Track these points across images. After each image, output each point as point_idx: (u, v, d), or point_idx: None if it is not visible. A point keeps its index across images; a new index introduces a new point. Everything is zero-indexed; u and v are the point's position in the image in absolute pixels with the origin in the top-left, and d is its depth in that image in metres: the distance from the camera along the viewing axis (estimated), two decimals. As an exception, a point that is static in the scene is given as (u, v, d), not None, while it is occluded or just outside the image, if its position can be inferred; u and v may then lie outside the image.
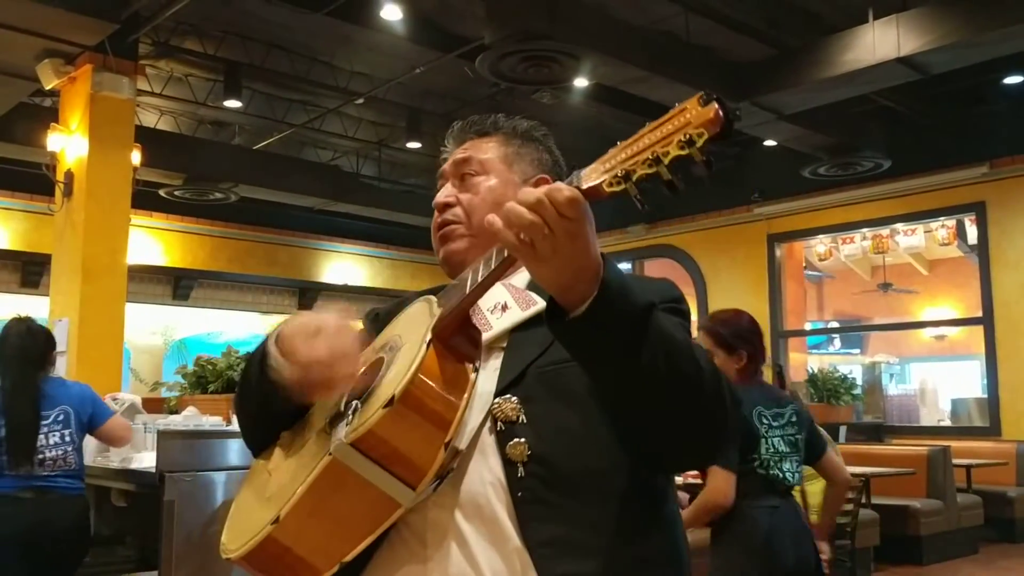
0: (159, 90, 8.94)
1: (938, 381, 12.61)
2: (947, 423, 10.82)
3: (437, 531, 1.09)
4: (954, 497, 7.30)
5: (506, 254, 1.02)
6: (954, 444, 7.88)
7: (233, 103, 8.73)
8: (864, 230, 11.10)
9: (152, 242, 11.69)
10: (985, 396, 9.49)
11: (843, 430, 8.80)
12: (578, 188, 0.95)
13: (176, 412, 4.92)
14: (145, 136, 8.08)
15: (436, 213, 1.37)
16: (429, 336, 1.03)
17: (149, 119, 9.68)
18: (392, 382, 1.02)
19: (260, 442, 1.27)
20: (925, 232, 11.66)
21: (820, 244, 11.96)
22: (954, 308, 13.17)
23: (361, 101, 9.07)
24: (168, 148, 9.44)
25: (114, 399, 4.63)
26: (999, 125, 9.08)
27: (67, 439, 3.79)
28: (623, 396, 1.06)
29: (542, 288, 1.05)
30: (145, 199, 9.37)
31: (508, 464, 1.10)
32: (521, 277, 1.28)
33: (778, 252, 10.83)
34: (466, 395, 1.04)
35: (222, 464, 3.48)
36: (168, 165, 9.58)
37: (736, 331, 3.10)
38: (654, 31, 7.46)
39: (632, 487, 1.14)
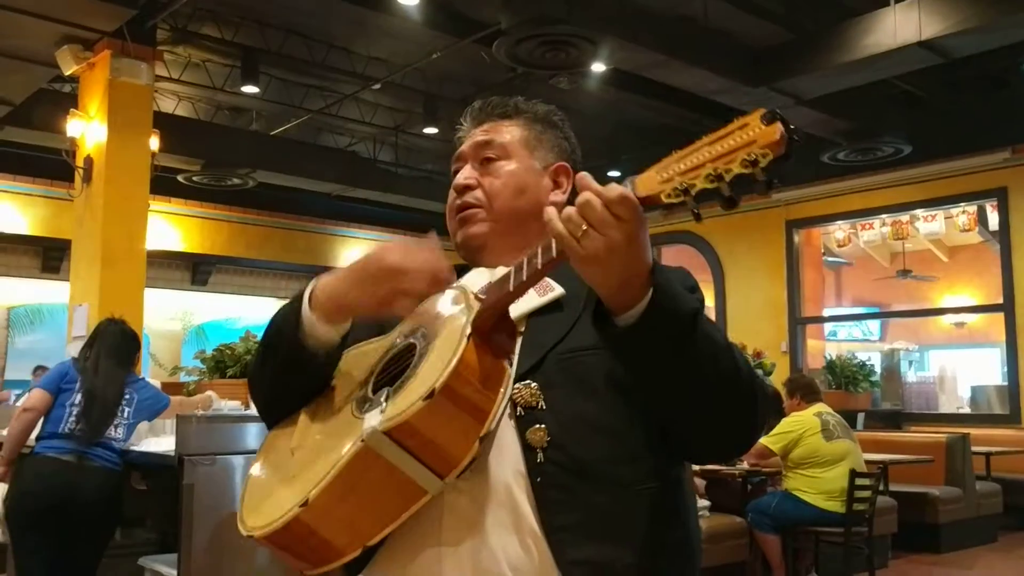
0: (177, 76, 8.97)
1: (957, 368, 12.52)
2: (966, 410, 10.76)
3: (453, 515, 1.09)
4: (973, 485, 7.26)
5: (555, 253, 1.01)
6: (973, 431, 7.84)
7: (251, 89, 8.75)
8: (883, 216, 11.01)
9: (170, 228, 11.76)
10: (1005, 383, 9.43)
11: (861, 417, 8.77)
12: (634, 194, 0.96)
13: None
14: (163, 122, 8.11)
15: (453, 194, 1.35)
16: (469, 329, 1.04)
17: (167, 105, 9.72)
18: (431, 373, 1.01)
19: (277, 414, 1.25)
20: (945, 218, 11.54)
21: (839, 230, 11.87)
22: (974, 295, 13.06)
23: (378, 87, 9.07)
24: (186, 134, 9.47)
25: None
26: (1021, 110, 8.97)
27: (125, 415, 4.08)
28: (664, 394, 1.09)
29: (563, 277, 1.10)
30: (163, 185, 9.43)
31: (528, 449, 1.10)
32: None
33: (796, 238, 10.77)
34: (502, 389, 1.04)
35: (240, 448, 3.50)
36: (186, 151, 9.62)
37: None
38: (672, 15, 7.41)
39: (649, 475, 1.15)
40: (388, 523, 1.04)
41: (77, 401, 3.97)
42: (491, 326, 1.07)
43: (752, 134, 0.91)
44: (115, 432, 4.01)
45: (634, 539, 1.11)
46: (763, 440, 5.47)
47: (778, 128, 0.90)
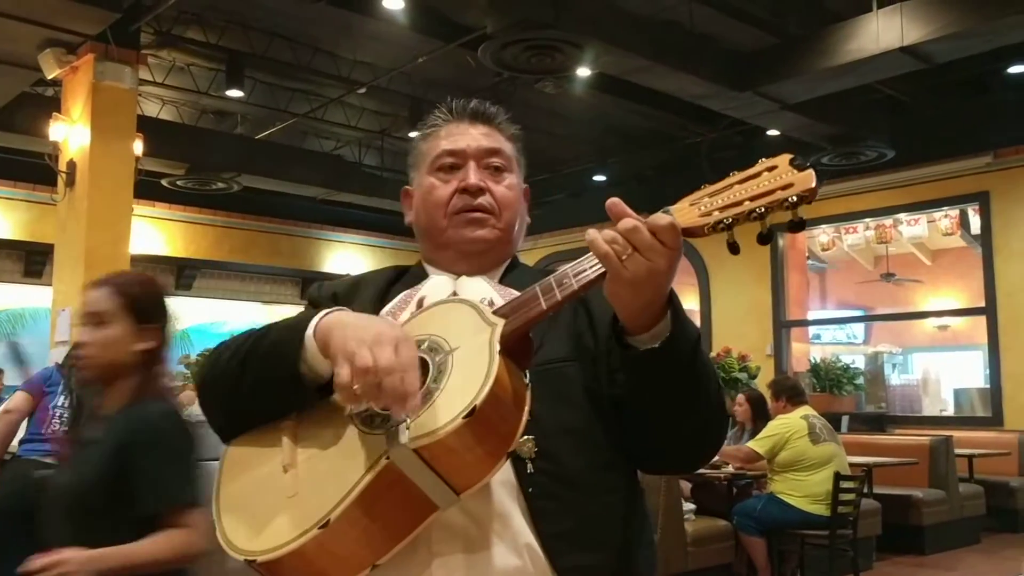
0: (161, 79, 8.93)
1: (941, 371, 12.60)
2: (950, 413, 10.82)
3: (443, 528, 1.08)
4: (956, 487, 7.30)
5: (593, 275, 1.06)
6: (956, 434, 7.88)
7: (235, 93, 8.72)
8: (867, 220, 11.08)
9: (155, 232, 11.70)
10: (988, 386, 9.49)
11: (845, 420, 8.81)
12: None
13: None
14: (147, 126, 8.07)
15: (459, 193, 1.31)
16: (498, 346, 1.02)
17: (151, 109, 9.68)
18: (464, 390, 0.99)
19: (240, 429, 1.18)
20: (928, 222, 11.63)
21: (823, 234, 11.94)
22: (957, 298, 13.15)
23: (363, 91, 9.06)
24: (170, 138, 9.43)
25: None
26: (1003, 115, 9.05)
27: None
28: (662, 409, 1.14)
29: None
30: (148, 189, 9.38)
31: (516, 460, 1.12)
32: (495, 272, 1.32)
33: (781, 242, 10.81)
34: (527, 407, 1.03)
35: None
36: (170, 155, 9.58)
37: (154, 299, 2.22)
38: (658, 20, 7.43)
39: (625, 482, 1.22)
40: (399, 541, 1.02)
41: (60, 403, 3.94)
42: (513, 342, 1.06)
43: (786, 178, 1.02)
44: None
45: (618, 543, 1.17)
46: (751, 444, 5.49)
47: (813, 176, 1.01)
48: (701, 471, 5.77)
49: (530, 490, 1.12)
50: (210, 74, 8.89)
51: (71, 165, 7.19)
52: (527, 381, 1.06)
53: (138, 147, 7.39)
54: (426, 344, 1.10)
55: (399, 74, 8.58)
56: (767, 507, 5.36)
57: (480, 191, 1.31)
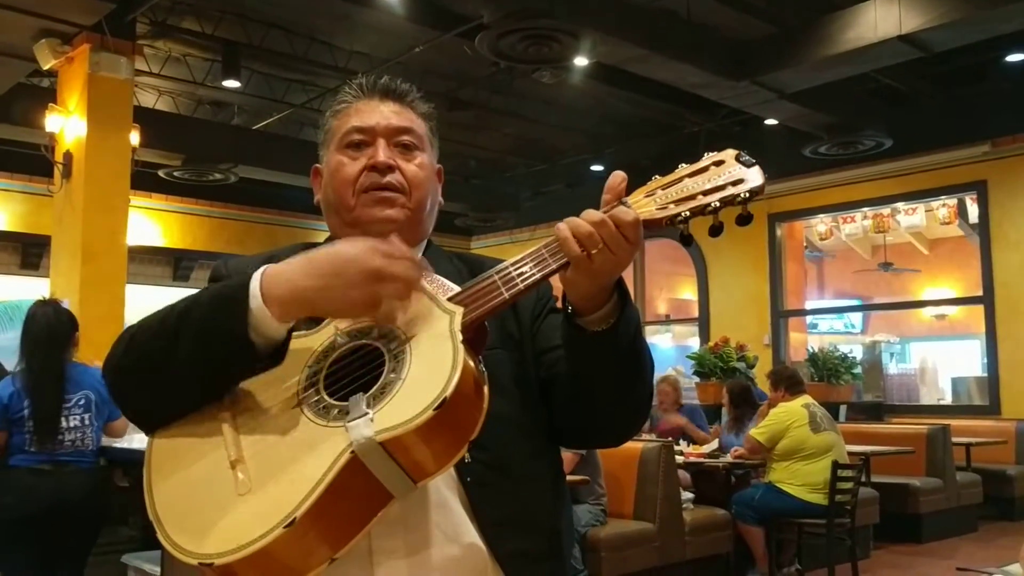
0: (157, 70, 8.90)
1: (938, 360, 12.63)
2: (947, 402, 10.85)
3: (382, 522, 1.02)
4: (953, 475, 7.32)
5: (555, 264, 1.07)
6: (954, 423, 7.90)
7: (232, 83, 8.69)
8: (865, 209, 11.08)
9: (151, 223, 11.68)
10: (985, 375, 9.51)
11: (843, 409, 8.82)
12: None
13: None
14: (143, 117, 8.05)
15: (368, 171, 1.27)
16: (460, 335, 1.01)
17: (147, 99, 9.64)
18: (430, 381, 0.97)
19: (166, 417, 1.10)
20: (926, 211, 11.63)
21: (820, 224, 11.93)
22: (954, 287, 13.16)
23: (360, 81, 9.03)
24: (167, 129, 9.40)
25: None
26: (1001, 104, 9.04)
27: (86, 422, 3.93)
28: (603, 384, 1.17)
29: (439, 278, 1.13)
30: (144, 180, 9.37)
31: None
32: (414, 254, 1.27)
33: (778, 232, 10.82)
34: (487, 396, 1.02)
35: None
36: (167, 146, 9.55)
37: None
38: (655, 9, 7.41)
39: (551, 466, 1.26)
40: (355, 533, 0.99)
41: (30, 422, 3.83)
42: (471, 332, 1.04)
43: (736, 173, 1.07)
44: (84, 443, 3.90)
45: (547, 526, 1.21)
46: (752, 433, 5.51)
47: (761, 173, 1.07)
48: (700, 460, 5.80)
49: (468, 479, 1.13)
50: (206, 64, 8.86)
51: (67, 156, 7.17)
52: (483, 369, 1.04)
53: (134, 138, 7.36)
54: (375, 331, 1.07)
55: (396, 64, 8.55)
56: (765, 496, 5.38)
57: (389, 169, 1.27)
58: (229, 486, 1.00)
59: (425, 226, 1.33)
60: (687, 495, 5.37)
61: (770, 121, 9.56)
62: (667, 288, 14.33)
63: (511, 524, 1.15)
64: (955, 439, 7.51)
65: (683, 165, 1.11)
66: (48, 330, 3.92)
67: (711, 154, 1.10)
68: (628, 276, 11.57)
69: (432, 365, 0.99)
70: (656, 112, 9.80)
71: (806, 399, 5.60)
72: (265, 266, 1.07)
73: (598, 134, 10.69)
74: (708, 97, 8.52)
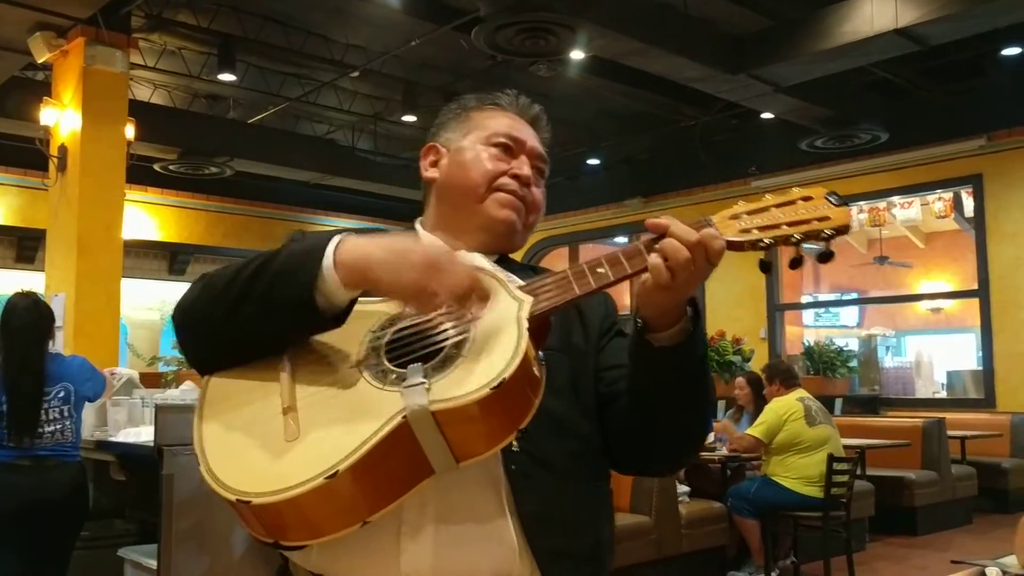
0: (153, 64, 8.88)
1: (933, 354, 12.66)
2: (942, 395, 10.88)
3: (417, 495, 1.04)
4: (948, 468, 7.34)
5: (631, 270, 1.09)
6: (949, 416, 7.92)
7: (227, 76, 8.68)
8: (861, 203, 11.08)
9: (147, 217, 11.66)
10: (980, 368, 9.53)
11: (839, 402, 8.85)
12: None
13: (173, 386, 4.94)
14: (139, 110, 8.03)
15: (504, 168, 1.33)
16: (527, 323, 1.02)
17: (143, 93, 9.62)
18: (492, 361, 0.99)
19: (228, 361, 1.13)
20: (922, 205, 11.65)
21: (817, 217, 11.92)
22: (950, 281, 13.19)
23: (356, 74, 9.02)
24: (162, 122, 9.38)
25: (112, 374, 4.68)
26: (997, 97, 9.04)
27: (66, 414, 3.89)
28: (666, 401, 1.18)
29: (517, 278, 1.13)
30: (140, 174, 9.35)
31: None
32: (490, 258, 1.29)
33: (775, 225, 10.81)
34: (541, 390, 1.04)
35: (220, 438, 3.48)
36: (163, 139, 9.53)
37: None
38: (652, 2, 7.41)
39: (599, 475, 1.26)
40: (392, 500, 1.00)
41: (9, 418, 3.79)
42: (536, 323, 1.06)
43: (823, 210, 1.10)
44: (63, 435, 3.85)
45: (588, 529, 1.21)
46: (750, 431, 5.52)
47: (849, 213, 1.10)
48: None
49: (512, 467, 1.13)
50: (202, 58, 8.84)
51: (62, 150, 7.16)
52: (543, 361, 1.06)
53: (130, 131, 7.35)
54: (443, 308, 1.08)
55: (392, 57, 8.54)
56: (761, 489, 5.39)
57: (528, 186, 1.35)
58: (278, 431, 1.02)
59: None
60: (683, 488, 5.38)
61: (766, 115, 9.56)
62: (663, 282, 14.34)
63: (550, 520, 1.15)
64: (950, 432, 7.53)
65: (769, 195, 1.14)
66: (28, 324, 3.85)
67: (799, 189, 1.13)
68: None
69: (495, 347, 1.01)
70: (652, 105, 9.80)
71: (801, 393, 5.61)
72: (346, 232, 1.09)
73: (595, 127, 10.68)
74: (705, 91, 8.51)
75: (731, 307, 10.93)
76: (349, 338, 1.10)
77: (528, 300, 1.06)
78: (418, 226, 1.38)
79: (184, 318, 1.17)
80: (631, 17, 7.20)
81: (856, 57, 7.58)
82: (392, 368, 1.04)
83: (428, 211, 1.39)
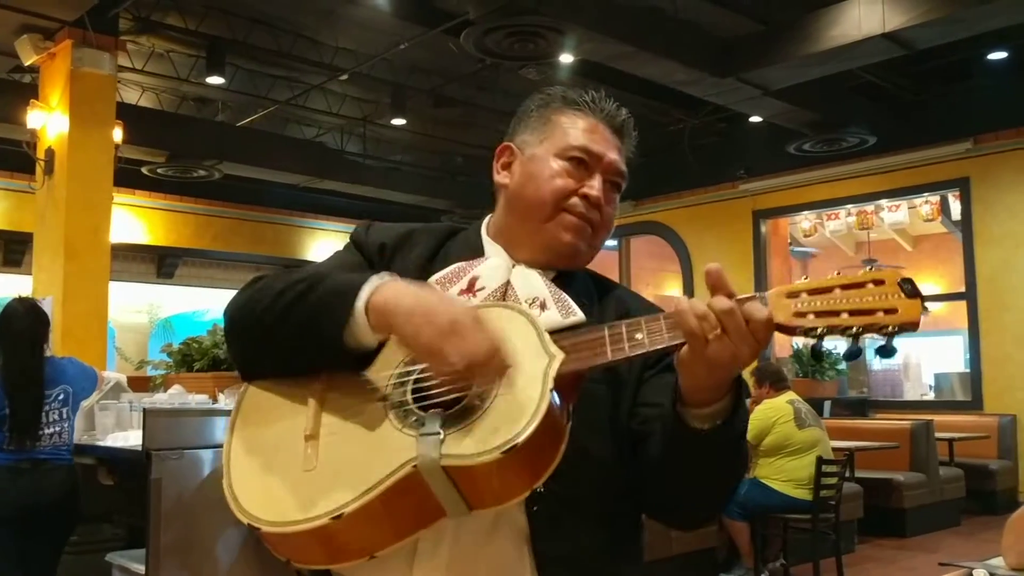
0: (141, 66, 8.84)
1: (922, 356, 12.69)
2: (930, 397, 10.91)
3: (433, 529, 1.04)
4: (937, 470, 7.37)
5: (670, 341, 1.02)
6: (937, 418, 7.95)
7: (216, 79, 8.65)
8: (849, 206, 11.14)
9: (135, 220, 11.61)
10: (968, 371, 9.57)
11: (828, 405, 8.87)
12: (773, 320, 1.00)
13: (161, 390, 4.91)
14: (127, 113, 8.00)
15: (572, 187, 1.25)
16: (552, 383, 0.99)
17: (131, 96, 9.58)
18: (509, 421, 0.96)
19: (264, 373, 1.15)
20: (909, 208, 11.70)
21: (805, 220, 11.99)
22: (937, 283, 13.26)
23: (345, 77, 9.00)
24: (151, 125, 9.34)
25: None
26: (983, 101, 9.10)
27: (64, 416, 3.93)
28: (687, 476, 1.13)
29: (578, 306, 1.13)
30: (128, 177, 9.30)
31: None
32: (550, 272, 1.26)
33: (763, 228, 10.85)
34: (563, 445, 1.00)
35: (209, 442, 3.46)
36: (151, 142, 9.49)
37: None
38: (640, 6, 7.42)
39: (631, 516, 1.22)
40: (401, 538, 1.01)
41: (10, 422, 3.81)
42: (566, 379, 1.02)
43: (892, 301, 0.98)
44: (61, 437, 3.88)
45: (608, 573, 1.17)
46: (741, 435, 5.52)
47: (920, 307, 0.97)
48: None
49: (534, 508, 1.10)
50: (190, 60, 8.81)
51: (49, 153, 7.12)
52: (569, 419, 1.03)
53: (117, 134, 7.32)
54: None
55: (381, 60, 8.53)
56: (751, 492, 5.39)
57: (598, 207, 1.25)
58: (298, 458, 1.05)
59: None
60: (673, 491, 5.38)
61: (755, 118, 9.60)
62: (652, 284, 14.36)
63: (567, 562, 1.11)
64: (938, 434, 7.56)
65: (838, 273, 1.03)
66: (27, 329, 3.90)
67: (873, 271, 1.01)
68: (613, 272, 11.47)
69: (515, 404, 0.98)
70: (641, 109, 9.81)
71: (791, 395, 5.62)
72: (385, 274, 1.08)
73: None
74: (693, 94, 8.54)
75: (720, 310, 10.94)
76: (385, 367, 1.09)
77: (559, 357, 1.01)
78: (483, 230, 1.33)
79: (231, 324, 1.19)
80: (620, 21, 7.21)
81: (844, 61, 7.61)
82: (414, 409, 1.03)
83: (496, 214, 1.33)
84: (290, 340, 1.10)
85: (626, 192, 1.32)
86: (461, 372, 0.99)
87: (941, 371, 11.02)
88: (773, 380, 5.74)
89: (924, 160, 9.48)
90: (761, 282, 10.72)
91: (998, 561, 1.85)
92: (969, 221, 9.29)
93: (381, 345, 1.09)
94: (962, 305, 9.55)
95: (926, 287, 13.27)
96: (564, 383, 1.01)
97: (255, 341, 1.15)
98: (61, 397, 3.93)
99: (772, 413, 5.45)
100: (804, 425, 5.41)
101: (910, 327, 0.97)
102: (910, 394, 11.20)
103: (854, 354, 1.01)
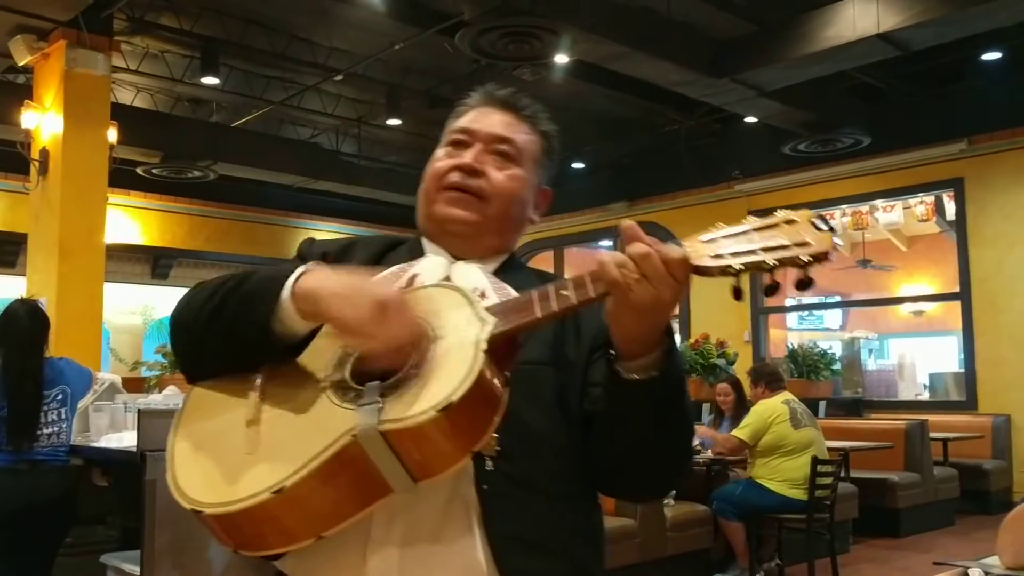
0: (135, 67, 8.83)
1: (916, 356, 12.73)
2: (925, 397, 10.94)
3: (385, 511, 1.06)
4: (931, 470, 7.39)
5: (594, 292, 1.04)
6: (931, 418, 7.97)
7: (211, 80, 8.64)
8: (843, 206, 11.14)
9: (130, 221, 11.59)
10: (962, 371, 9.60)
11: (822, 405, 8.88)
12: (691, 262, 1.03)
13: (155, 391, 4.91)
14: (121, 113, 7.98)
15: (449, 164, 1.30)
16: (484, 345, 1.01)
17: (125, 96, 9.57)
18: (443, 383, 0.98)
19: (207, 372, 1.16)
20: (904, 208, 11.70)
21: (800, 221, 11.97)
22: (932, 284, 13.27)
23: (340, 78, 9.00)
24: (145, 126, 9.33)
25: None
26: (978, 101, 9.12)
27: (62, 416, 3.93)
28: (631, 436, 1.13)
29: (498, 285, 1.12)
30: (122, 177, 9.29)
31: (476, 456, 1.10)
32: (491, 264, 1.30)
33: (758, 229, 10.85)
34: (501, 410, 1.02)
35: (203, 443, 3.46)
36: (145, 143, 9.48)
37: None
38: (635, 7, 7.43)
39: (583, 494, 1.22)
40: (347, 518, 1.01)
41: (9, 423, 3.82)
42: (500, 345, 1.04)
43: (804, 236, 1.02)
44: (59, 438, 3.89)
45: (570, 553, 1.17)
46: (735, 433, 5.53)
47: (831, 239, 1.01)
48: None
49: (484, 487, 1.11)
50: (185, 61, 8.79)
51: (44, 153, 7.11)
52: (506, 384, 1.04)
53: (112, 135, 7.30)
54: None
55: (376, 61, 8.53)
56: (746, 492, 5.40)
57: (474, 172, 1.28)
58: (239, 445, 1.05)
59: (504, 239, 1.33)
60: (668, 491, 5.39)
61: (749, 119, 9.61)
62: (648, 285, 14.36)
63: (521, 541, 1.12)
64: (933, 434, 7.58)
65: (751, 217, 1.07)
66: (29, 332, 3.92)
67: (785, 212, 1.05)
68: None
69: (450, 368, 1.00)
70: (636, 109, 9.82)
71: (786, 395, 5.63)
72: (313, 263, 1.10)
73: (579, 132, 10.69)
74: (688, 95, 8.55)
75: (715, 310, 10.95)
76: (323, 352, 1.11)
77: (491, 322, 1.04)
78: (423, 239, 1.36)
79: (172, 328, 1.21)
80: (614, 21, 7.22)
81: (838, 61, 7.63)
82: (353, 385, 1.04)
83: (418, 221, 1.37)
84: (225, 334, 1.12)
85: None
86: (388, 353, 1.02)
87: (935, 371, 11.04)
88: (769, 380, 5.75)
89: (918, 161, 9.50)
90: (755, 283, 10.72)
91: (993, 560, 1.86)
92: (963, 222, 9.31)
93: (318, 334, 1.11)
94: (956, 305, 9.57)
95: (920, 288, 13.33)
96: (499, 348, 1.03)
97: (194, 341, 1.17)
98: (59, 397, 3.93)
99: (767, 413, 5.46)
100: (800, 425, 5.42)
101: (822, 257, 1.00)
102: (905, 394, 11.23)
103: (772, 289, 1.03)
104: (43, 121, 7.15)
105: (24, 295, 4.68)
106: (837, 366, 9.62)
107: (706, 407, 7.17)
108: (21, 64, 7.27)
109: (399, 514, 1.08)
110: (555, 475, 1.17)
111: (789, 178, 10.39)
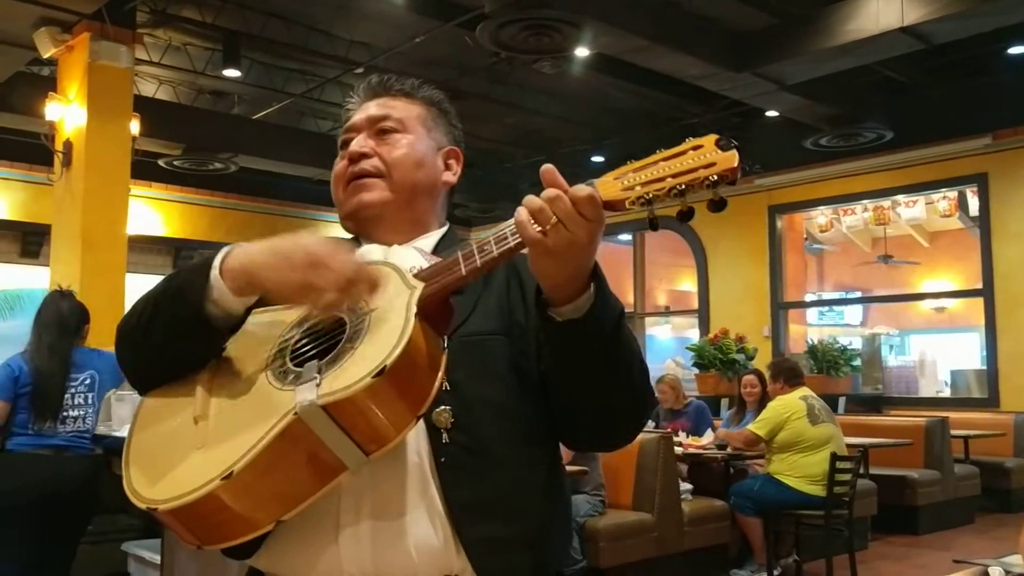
0: (157, 59, 8.88)
1: (937, 353, 12.64)
2: (945, 394, 10.86)
3: (352, 495, 1.09)
4: (951, 468, 7.34)
5: (514, 243, 1.05)
6: (952, 415, 7.90)
7: (232, 72, 8.67)
8: (865, 201, 11.08)
9: (152, 212, 11.67)
10: (984, 368, 9.52)
11: (842, 401, 8.84)
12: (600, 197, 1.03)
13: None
14: (144, 106, 8.04)
15: (344, 163, 1.33)
16: (415, 308, 1.03)
17: (147, 89, 9.63)
18: (377, 350, 0.99)
19: (155, 379, 1.17)
20: (926, 204, 11.62)
21: (821, 215, 11.93)
22: (954, 280, 13.17)
23: (360, 70, 9.00)
24: (167, 118, 9.39)
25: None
26: (1002, 96, 9.02)
27: (89, 401, 3.98)
28: (581, 384, 1.14)
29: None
30: (144, 169, 9.35)
31: (432, 430, 1.12)
32: (427, 241, 1.31)
33: (779, 223, 10.81)
34: (441, 372, 1.04)
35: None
36: (167, 135, 9.54)
37: None
38: (656, 0, 7.40)
39: (543, 456, 1.23)
40: (303, 499, 1.01)
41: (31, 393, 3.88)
42: (431, 307, 1.06)
43: (710, 157, 1.01)
44: (84, 423, 3.94)
45: (530, 516, 1.18)
46: (750, 427, 5.52)
47: (735, 156, 1.01)
48: (697, 452, 5.81)
49: (442, 460, 1.12)
50: (206, 54, 8.84)
51: (67, 145, 7.17)
52: (444, 347, 1.06)
53: (134, 127, 7.36)
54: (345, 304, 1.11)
55: (396, 54, 8.53)
56: (764, 488, 5.39)
57: (363, 156, 1.31)
58: (189, 441, 1.06)
59: (422, 208, 1.34)
60: (685, 486, 5.38)
61: (771, 112, 9.55)
62: (667, 279, 14.34)
63: (481, 509, 1.13)
64: (953, 431, 7.52)
65: (661, 149, 1.07)
66: (58, 316, 4.00)
67: (691, 139, 1.05)
68: (627, 267, 11.43)
69: (383, 336, 1.01)
70: (656, 103, 9.78)
71: (804, 391, 5.61)
72: (227, 249, 1.12)
73: (598, 125, 10.67)
74: (709, 88, 8.50)
75: (734, 304, 10.92)
76: (263, 344, 1.13)
77: (419, 286, 1.06)
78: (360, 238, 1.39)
79: (117, 341, 1.21)
80: (635, 14, 7.19)
81: (861, 55, 7.57)
82: (292, 368, 1.06)
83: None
84: (165, 332, 1.13)
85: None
86: (337, 297, 1.03)
87: (957, 368, 10.96)
88: (787, 376, 5.72)
89: (942, 155, 9.42)
90: (776, 277, 10.69)
91: (1014, 559, 1.84)
92: (987, 217, 9.22)
93: (252, 323, 1.13)
94: (979, 302, 9.49)
95: (942, 284, 13.22)
96: (431, 311, 1.05)
97: (140, 350, 1.17)
98: (88, 382, 3.98)
99: (784, 409, 5.44)
100: (817, 421, 5.40)
101: (729, 174, 1.00)
102: (925, 391, 11.16)
103: (687, 215, 1.03)
104: (67, 113, 7.21)
105: (47, 286, 4.74)
106: (857, 362, 9.56)
107: (725, 401, 7.14)
108: (45, 56, 7.33)
109: (366, 496, 1.10)
110: (511, 441, 1.17)
111: (810, 172, 10.32)
